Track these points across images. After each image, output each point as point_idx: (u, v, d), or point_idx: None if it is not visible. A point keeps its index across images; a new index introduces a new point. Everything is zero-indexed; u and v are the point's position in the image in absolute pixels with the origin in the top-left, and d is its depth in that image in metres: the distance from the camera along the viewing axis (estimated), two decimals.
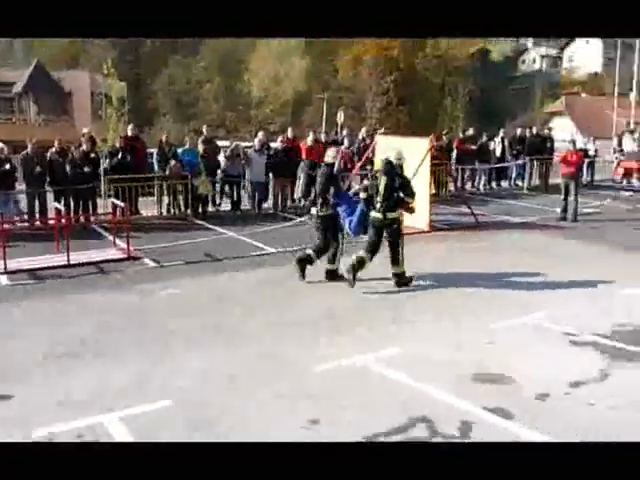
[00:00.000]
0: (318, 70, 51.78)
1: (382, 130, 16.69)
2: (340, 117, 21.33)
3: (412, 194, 8.16)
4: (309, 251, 8.33)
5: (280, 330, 6.57)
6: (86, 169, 12.32)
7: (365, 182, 8.37)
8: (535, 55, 61.65)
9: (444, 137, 17.11)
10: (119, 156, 13.04)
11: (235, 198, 14.17)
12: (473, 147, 17.72)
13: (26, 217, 12.07)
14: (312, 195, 8.61)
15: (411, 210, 8.32)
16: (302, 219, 12.39)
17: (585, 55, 56.77)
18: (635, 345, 6.03)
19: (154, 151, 14.08)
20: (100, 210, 12.81)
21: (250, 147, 14.81)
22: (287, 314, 7.13)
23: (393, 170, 8.03)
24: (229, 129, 47.95)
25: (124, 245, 9.87)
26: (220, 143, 15.98)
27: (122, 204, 11.18)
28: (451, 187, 16.25)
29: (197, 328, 6.63)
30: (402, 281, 8.00)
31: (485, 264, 9.21)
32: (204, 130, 15.00)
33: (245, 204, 14.36)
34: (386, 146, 11.75)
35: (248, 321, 6.89)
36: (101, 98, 34.86)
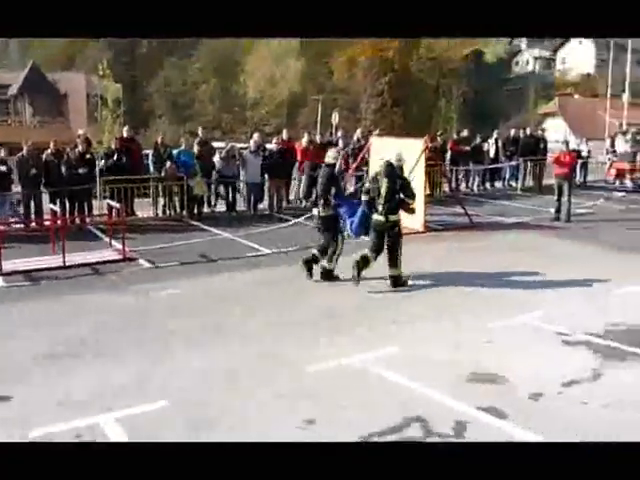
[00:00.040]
0: (313, 72, 51.84)
1: (377, 132, 16.72)
2: (335, 118, 21.28)
3: (413, 195, 8.21)
4: (314, 251, 8.42)
5: (280, 330, 6.60)
6: (81, 170, 12.29)
7: (367, 185, 8.39)
8: (529, 57, 61.84)
9: (438, 138, 17.12)
10: (114, 157, 13.04)
11: (230, 199, 14.19)
12: (467, 148, 17.78)
13: (22, 218, 12.05)
14: (313, 196, 8.65)
15: (411, 211, 8.36)
16: (300, 220, 12.42)
17: (578, 57, 57.00)
18: (629, 344, 6.09)
19: (150, 152, 14.08)
20: (96, 211, 12.82)
21: (245, 148, 14.82)
22: (286, 314, 7.16)
23: (394, 172, 8.06)
24: (225, 130, 47.88)
25: (120, 246, 9.87)
26: (216, 144, 15.93)
27: (118, 205, 11.20)
28: (445, 188, 16.29)
29: (197, 328, 6.64)
30: (398, 283, 8.05)
31: (482, 264, 9.27)
32: (200, 132, 14.98)
33: (240, 205, 14.37)
34: (381, 147, 11.81)
35: (248, 321, 6.91)
36: (97, 100, 34.74)
